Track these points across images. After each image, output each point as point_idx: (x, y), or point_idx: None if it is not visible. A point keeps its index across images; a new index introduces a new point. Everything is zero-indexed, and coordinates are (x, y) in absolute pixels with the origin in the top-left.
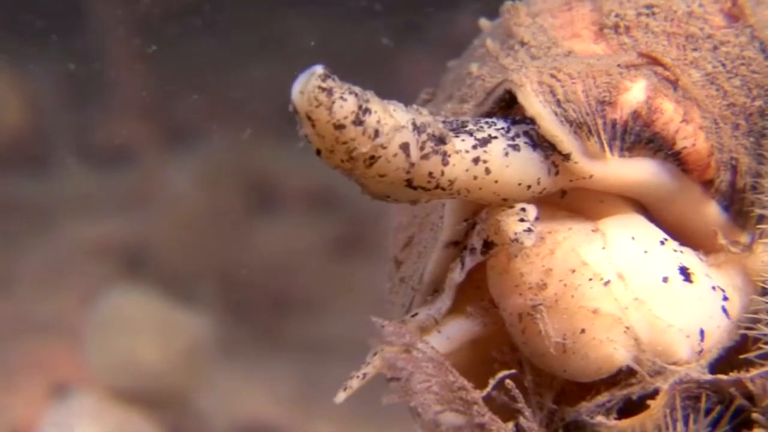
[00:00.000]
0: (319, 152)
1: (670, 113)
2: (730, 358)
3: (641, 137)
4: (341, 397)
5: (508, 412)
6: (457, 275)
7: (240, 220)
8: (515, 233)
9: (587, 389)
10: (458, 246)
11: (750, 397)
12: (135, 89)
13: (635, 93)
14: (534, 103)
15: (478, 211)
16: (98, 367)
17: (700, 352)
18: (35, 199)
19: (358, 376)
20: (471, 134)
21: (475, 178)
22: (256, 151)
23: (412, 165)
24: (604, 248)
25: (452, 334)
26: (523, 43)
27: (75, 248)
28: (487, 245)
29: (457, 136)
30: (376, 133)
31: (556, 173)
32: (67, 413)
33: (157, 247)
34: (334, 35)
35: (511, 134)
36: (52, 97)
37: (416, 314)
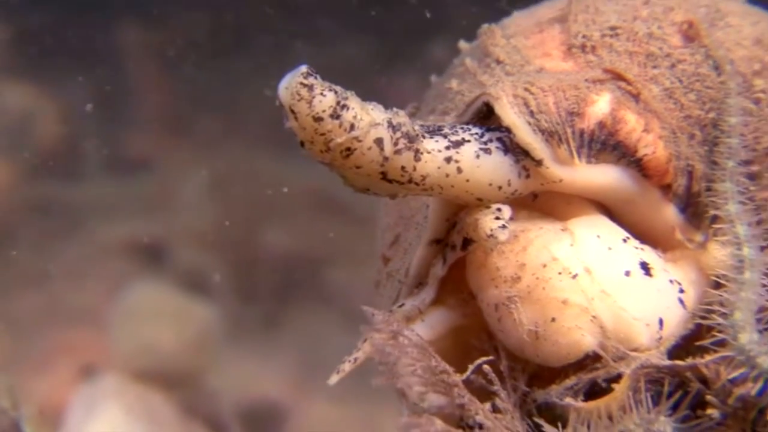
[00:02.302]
0: (302, 144)
1: (632, 123)
2: (686, 345)
3: (606, 145)
4: (334, 379)
5: (485, 394)
6: (439, 270)
7: (247, 222)
8: (491, 230)
9: (557, 374)
10: (440, 243)
11: (704, 380)
12: (158, 106)
13: (601, 105)
14: (509, 113)
15: (459, 212)
16: (122, 352)
17: (659, 339)
18: (69, 202)
19: (349, 361)
20: (445, 137)
21: (447, 175)
22: (263, 161)
23: (386, 159)
24: (572, 245)
25: (435, 323)
26: (498, 62)
27: (103, 246)
28: (467, 242)
29: (431, 137)
30: (352, 126)
31: (527, 176)
32: (93, 392)
33: (174, 245)
34: (329, 56)
35: (484, 139)
36: (85, 112)
37: (403, 305)
